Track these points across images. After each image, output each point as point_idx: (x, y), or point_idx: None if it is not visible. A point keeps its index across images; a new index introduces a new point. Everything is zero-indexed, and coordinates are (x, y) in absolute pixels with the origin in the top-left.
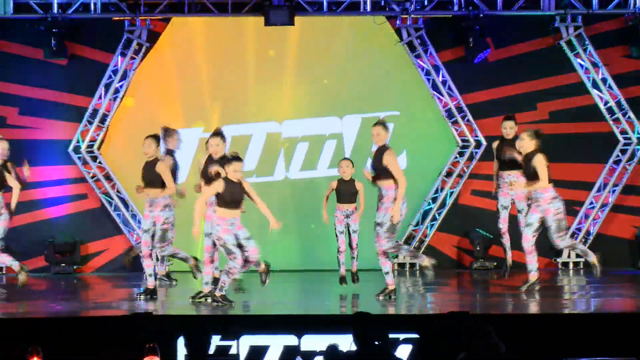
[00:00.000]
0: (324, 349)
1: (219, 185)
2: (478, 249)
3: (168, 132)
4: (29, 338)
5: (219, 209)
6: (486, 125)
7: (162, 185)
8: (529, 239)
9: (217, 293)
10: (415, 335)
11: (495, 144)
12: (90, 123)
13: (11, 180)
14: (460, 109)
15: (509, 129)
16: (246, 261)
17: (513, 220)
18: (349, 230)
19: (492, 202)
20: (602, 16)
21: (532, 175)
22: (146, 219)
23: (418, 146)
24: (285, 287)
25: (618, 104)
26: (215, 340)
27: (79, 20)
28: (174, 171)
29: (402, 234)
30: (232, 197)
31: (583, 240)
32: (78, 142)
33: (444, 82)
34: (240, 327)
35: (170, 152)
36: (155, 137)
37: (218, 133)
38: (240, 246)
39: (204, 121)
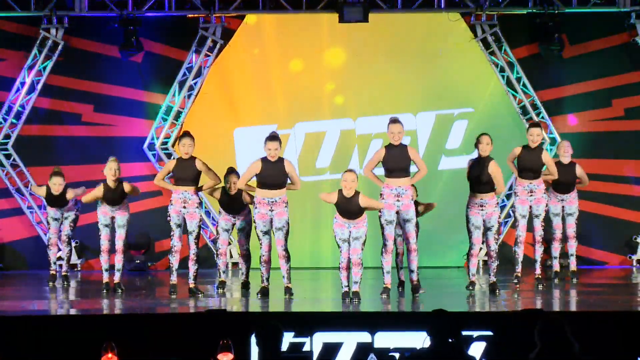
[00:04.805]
0: (398, 345)
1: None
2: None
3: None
4: (104, 334)
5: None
6: (561, 122)
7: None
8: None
9: (264, 284)
10: (489, 333)
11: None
12: (165, 120)
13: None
14: (534, 106)
15: (535, 136)
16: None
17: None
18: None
19: None
20: None
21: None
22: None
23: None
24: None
25: None
26: (289, 337)
27: (154, 18)
28: None
29: None
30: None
31: None
32: (152, 139)
33: (518, 79)
34: (314, 324)
35: None
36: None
37: (275, 137)
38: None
39: (277, 118)
